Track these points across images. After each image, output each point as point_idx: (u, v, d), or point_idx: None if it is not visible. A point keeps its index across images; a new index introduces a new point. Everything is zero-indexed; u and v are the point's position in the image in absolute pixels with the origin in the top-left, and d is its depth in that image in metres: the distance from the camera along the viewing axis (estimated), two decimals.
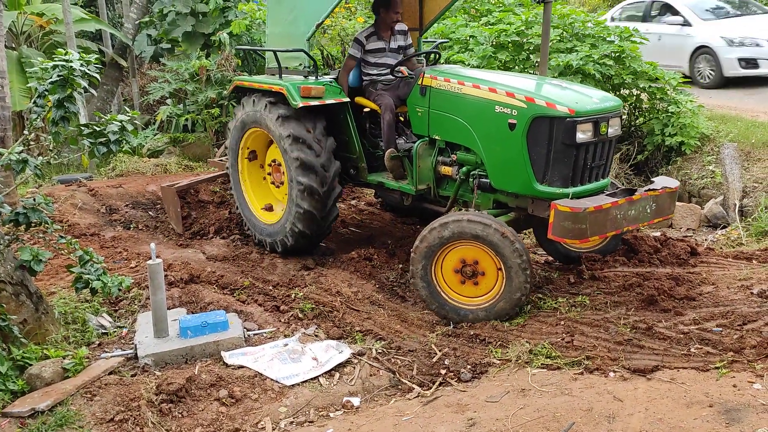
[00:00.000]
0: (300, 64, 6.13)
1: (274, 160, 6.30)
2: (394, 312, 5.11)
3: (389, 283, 5.72)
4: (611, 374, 3.82)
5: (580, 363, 3.98)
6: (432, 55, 6.15)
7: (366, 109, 6.23)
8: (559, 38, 8.39)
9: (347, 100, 5.90)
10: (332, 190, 5.84)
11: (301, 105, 5.60)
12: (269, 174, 6.43)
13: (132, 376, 4.05)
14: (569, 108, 4.64)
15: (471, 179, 5.28)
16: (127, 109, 5.37)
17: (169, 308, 4.66)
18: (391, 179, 5.87)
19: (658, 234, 6.37)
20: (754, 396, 3.39)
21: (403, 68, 5.95)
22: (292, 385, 3.99)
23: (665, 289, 4.82)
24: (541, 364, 4.04)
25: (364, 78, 6.19)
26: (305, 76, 5.97)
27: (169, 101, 11.20)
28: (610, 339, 4.21)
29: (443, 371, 4.13)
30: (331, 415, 3.81)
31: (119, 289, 4.19)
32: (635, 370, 3.80)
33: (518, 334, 4.44)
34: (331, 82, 5.93)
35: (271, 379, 4.04)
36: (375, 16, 6.18)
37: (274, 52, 5.92)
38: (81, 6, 14.59)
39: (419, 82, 5.51)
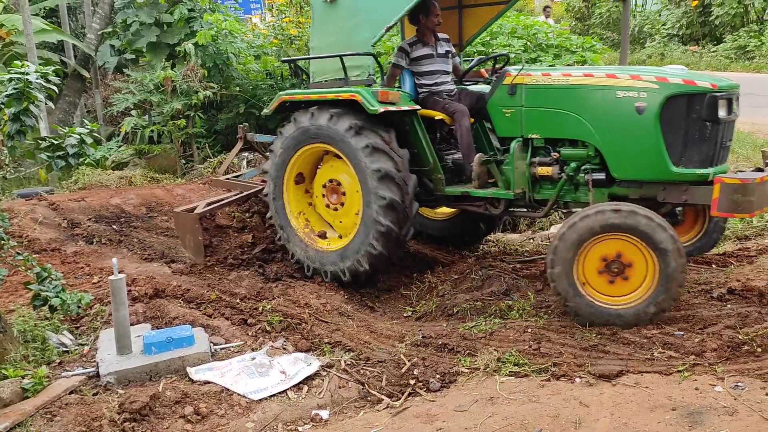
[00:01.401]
0: (363, 73, 5.63)
1: (330, 180, 5.85)
2: (363, 323, 5.10)
3: (358, 293, 5.70)
4: (577, 380, 3.86)
5: (547, 370, 4.01)
6: (501, 60, 5.99)
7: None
8: (523, 48, 8.51)
9: (418, 108, 5.64)
10: (411, 205, 5.46)
11: (381, 110, 5.25)
12: (322, 196, 5.94)
13: (94, 395, 3.95)
14: (711, 83, 4.51)
15: (580, 176, 5.07)
16: (87, 121, 5.27)
17: (132, 324, 4.57)
18: (474, 188, 5.49)
19: None
20: (716, 398, 3.46)
21: (482, 70, 5.81)
22: (260, 400, 3.94)
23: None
24: (509, 371, 4.06)
25: (421, 90, 5.98)
26: (368, 86, 5.55)
27: (133, 112, 11.06)
28: (576, 345, 4.26)
29: (412, 381, 4.13)
30: (300, 429, 3.77)
31: (79, 306, 4.11)
32: (600, 376, 3.85)
33: (486, 343, 4.46)
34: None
35: (238, 394, 3.98)
36: (416, 26, 6.01)
37: (341, 57, 5.51)
38: (42, 17, 14.35)
39: (505, 82, 5.31)
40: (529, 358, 4.16)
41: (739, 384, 3.58)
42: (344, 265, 5.61)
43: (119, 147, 11.22)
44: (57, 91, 4.20)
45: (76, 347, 4.61)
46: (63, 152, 3.99)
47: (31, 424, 3.60)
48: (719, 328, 4.24)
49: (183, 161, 10.76)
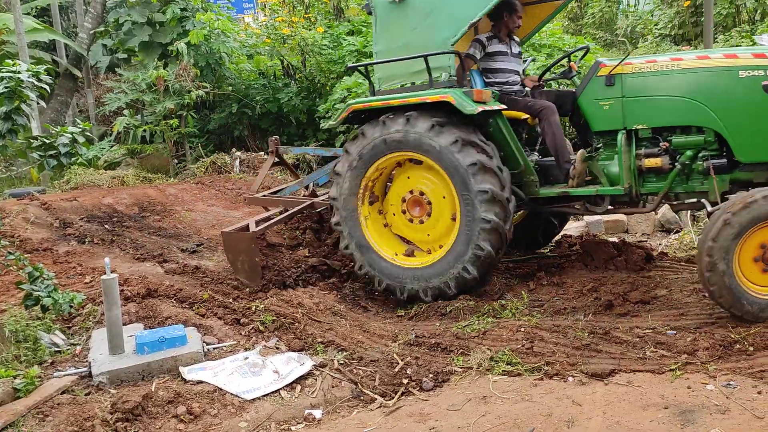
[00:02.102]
0: (441, 75, 5.34)
1: (411, 191, 5.46)
2: (356, 322, 5.09)
3: (351, 293, 5.70)
4: (570, 379, 3.87)
5: (540, 369, 4.02)
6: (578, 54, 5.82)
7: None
8: None
9: (505, 107, 5.35)
10: (510, 201, 5.14)
11: (480, 110, 4.97)
12: (402, 212, 5.52)
13: (86, 395, 3.94)
14: None
15: (697, 164, 4.91)
16: (79, 120, 5.25)
17: (125, 324, 4.56)
18: (573, 187, 5.25)
19: (616, 240, 6.49)
20: (708, 397, 3.47)
21: (572, 63, 5.69)
22: (253, 399, 3.93)
23: (621, 294, 4.92)
24: (502, 371, 4.06)
25: (491, 89, 5.62)
26: (449, 87, 5.26)
27: (126, 112, 11.03)
28: (569, 344, 4.27)
29: (405, 381, 4.12)
30: (293, 428, 3.76)
31: (71, 306, 4.09)
32: (593, 375, 3.85)
33: (479, 342, 4.47)
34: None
35: (231, 394, 3.97)
36: (494, 23, 5.80)
37: (425, 57, 5.17)
38: (34, 16, 14.29)
39: (599, 74, 5.17)
40: (522, 357, 4.17)
41: (731, 383, 3.60)
42: (447, 278, 5.17)
43: (111, 147, 11.19)
44: (49, 91, 4.18)
45: (68, 347, 4.59)
46: (55, 152, 3.97)
47: (22, 425, 3.58)
48: (711, 327, 4.26)
49: (175, 161, 10.75)
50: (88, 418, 3.63)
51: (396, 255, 5.49)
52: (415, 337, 4.69)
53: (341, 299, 5.50)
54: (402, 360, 4.33)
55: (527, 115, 5.58)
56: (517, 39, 6.00)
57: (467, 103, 4.98)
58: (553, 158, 5.53)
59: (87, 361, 4.27)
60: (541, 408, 3.54)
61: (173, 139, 10.52)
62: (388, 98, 5.38)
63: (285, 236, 6.49)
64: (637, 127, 5.10)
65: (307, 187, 6.99)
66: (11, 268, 4.40)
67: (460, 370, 4.16)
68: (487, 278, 5.34)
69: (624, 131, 5.10)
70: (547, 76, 6.12)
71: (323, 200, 6.36)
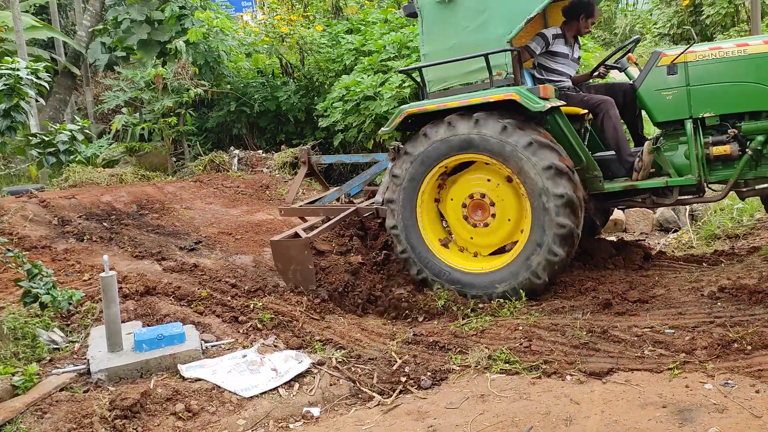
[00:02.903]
0: (499, 73, 5.22)
1: (471, 195, 5.35)
2: (354, 320, 5.10)
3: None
4: (568, 378, 3.87)
5: (538, 367, 4.02)
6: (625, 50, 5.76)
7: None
8: None
9: (564, 103, 5.28)
10: (582, 204, 5.07)
11: (548, 106, 4.96)
12: (464, 218, 5.41)
13: (84, 392, 3.93)
14: None
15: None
16: (77, 118, 5.24)
17: (123, 321, 4.55)
18: (639, 179, 5.18)
19: (614, 239, 6.50)
20: (706, 396, 3.48)
21: (630, 55, 5.62)
22: (251, 397, 3.94)
23: (619, 293, 4.92)
24: (500, 369, 4.07)
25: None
26: (507, 85, 5.21)
27: (124, 110, 11.03)
28: (567, 343, 4.27)
29: (403, 379, 4.13)
30: (291, 426, 3.76)
31: (70, 303, 4.08)
32: (591, 373, 3.86)
33: (477, 340, 4.47)
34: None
35: (230, 392, 3.97)
36: (566, 22, 5.70)
37: (486, 56, 5.07)
38: (32, 14, 14.27)
39: (660, 64, 5.13)
40: (520, 355, 4.18)
41: (729, 381, 3.60)
42: (515, 283, 5.08)
43: (110, 145, 11.18)
44: (47, 88, 4.17)
45: (67, 344, 4.59)
46: (54, 149, 3.97)
47: (21, 422, 3.58)
48: (710, 326, 4.27)
49: (174, 159, 10.74)
50: (87, 416, 3.63)
51: (458, 260, 5.40)
52: (413, 335, 4.70)
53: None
54: (400, 358, 4.34)
55: (583, 111, 5.53)
56: (579, 43, 5.91)
57: (534, 101, 4.91)
58: (607, 153, 5.46)
59: (85, 359, 4.26)
60: (539, 406, 3.55)
61: (172, 137, 10.51)
62: (445, 100, 5.28)
63: (333, 243, 6.38)
64: (704, 115, 5.07)
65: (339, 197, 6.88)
66: (10, 265, 4.39)
67: (458, 368, 4.17)
68: (554, 282, 5.22)
69: (691, 120, 5.07)
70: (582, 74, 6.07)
71: (367, 206, 6.27)
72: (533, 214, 5.00)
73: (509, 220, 5.25)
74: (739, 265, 5.52)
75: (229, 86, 11.24)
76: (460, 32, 5.33)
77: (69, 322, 4.93)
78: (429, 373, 4.15)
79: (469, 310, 5.08)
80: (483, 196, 5.31)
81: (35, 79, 3.92)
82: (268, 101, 11.12)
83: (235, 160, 10.50)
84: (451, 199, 5.46)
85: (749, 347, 3.95)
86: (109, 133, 11.66)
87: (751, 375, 3.65)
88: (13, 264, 4.12)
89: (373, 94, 8.96)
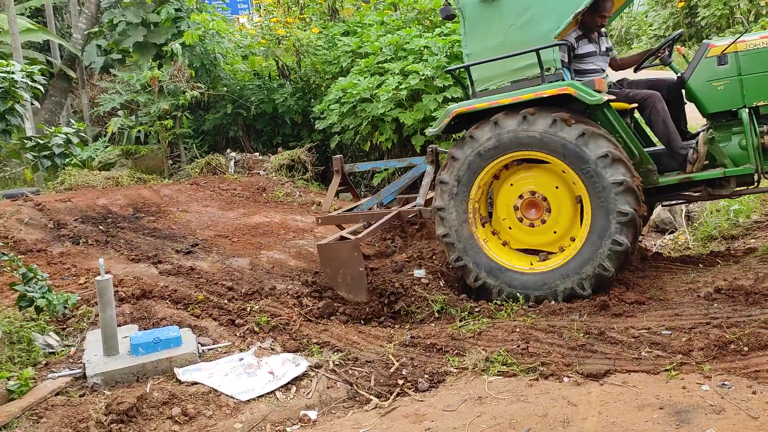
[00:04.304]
0: (548, 69, 5.18)
1: (521, 196, 5.29)
2: (351, 323, 5.09)
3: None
4: (565, 379, 3.87)
5: (535, 369, 4.02)
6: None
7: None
8: None
9: (614, 98, 5.25)
10: (641, 190, 5.01)
11: (606, 98, 4.96)
12: (518, 220, 5.35)
13: (80, 396, 3.92)
14: None
15: None
16: (73, 121, 5.22)
17: (119, 325, 4.54)
18: (694, 171, 5.12)
19: None
20: (703, 397, 3.48)
21: (679, 47, 5.53)
22: (248, 401, 3.93)
23: (616, 294, 4.93)
24: (498, 371, 4.07)
25: None
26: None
27: (120, 113, 11.00)
28: (564, 344, 4.27)
29: (401, 381, 4.12)
30: (288, 429, 3.75)
31: (65, 307, 4.07)
32: (588, 375, 3.86)
33: (474, 342, 4.47)
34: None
35: (226, 395, 3.96)
36: (577, 21, 5.62)
37: (537, 51, 5.04)
38: (28, 16, 14.25)
39: (709, 55, 5.11)
40: (518, 357, 4.17)
41: (726, 383, 3.60)
42: (580, 277, 5.01)
43: (106, 147, 11.15)
44: (43, 91, 4.16)
45: (63, 348, 4.57)
46: (49, 152, 3.96)
47: (17, 426, 3.56)
48: (706, 327, 4.27)
49: (170, 162, 10.73)
50: (83, 420, 3.62)
51: (516, 261, 5.32)
52: (411, 337, 4.69)
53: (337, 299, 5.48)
54: (397, 361, 4.33)
55: (628, 106, 5.49)
56: (604, 32, 5.85)
57: (590, 93, 4.88)
58: (656, 147, 5.41)
59: (81, 363, 4.25)
60: (537, 408, 3.55)
61: (168, 139, 10.49)
62: (496, 98, 5.22)
63: (376, 246, 6.40)
64: (758, 104, 5.05)
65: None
66: (5, 269, 4.38)
67: (455, 370, 4.16)
68: (620, 273, 5.16)
69: (746, 109, 5.04)
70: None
71: (409, 209, 6.20)
72: (592, 205, 4.95)
73: (566, 211, 5.20)
74: (735, 266, 5.53)
75: (225, 89, 11.23)
76: (505, 30, 5.29)
77: (65, 326, 4.91)
78: (426, 376, 4.14)
79: (466, 313, 5.07)
80: (533, 193, 5.26)
81: (30, 82, 3.92)
82: (264, 104, 11.12)
83: (232, 162, 10.48)
84: (501, 205, 5.41)
85: (746, 348, 3.95)
86: (104, 135, 11.63)
87: (747, 376, 3.65)
88: (9, 268, 4.10)
89: (370, 96, 8.96)
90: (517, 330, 4.55)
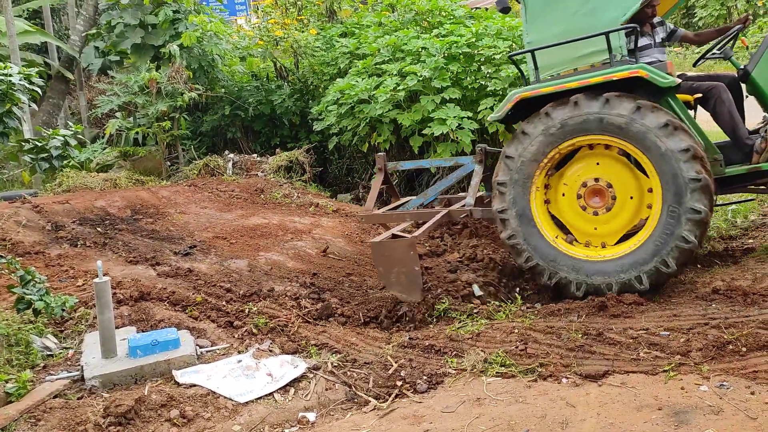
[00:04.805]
0: (609, 58, 5.13)
1: (584, 183, 5.23)
2: (349, 324, 5.08)
3: (347, 295, 5.68)
4: (564, 380, 3.87)
5: (533, 370, 4.02)
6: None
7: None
8: (508, 50, 8.54)
9: (680, 81, 5.16)
10: (713, 185, 4.94)
11: (679, 81, 4.89)
12: (579, 204, 5.27)
13: (78, 398, 3.92)
14: None
15: None
16: (71, 123, 5.22)
17: (117, 327, 4.53)
18: (760, 161, 5.05)
19: None
20: (702, 398, 3.48)
21: (743, 39, 5.51)
22: (246, 402, 3.92)
23: (614, 295, 4.93)
24: (496, 372, 4.07)
25: None
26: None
27: (118, 114, 11.00)
28: (563, 345, 4.27)
29: (399, 383, 4.12)
30: (286, 431, 3.75)
31: (63, 309, 4.06)
32: (587, 376, 3.86)
33: (473, 344, 4.47)
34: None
35: (225, 397, 3.96)
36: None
37: (607, 34, 4.98)
38: (25, 18, 14.23)
39: None
40: (516, 358, 4.17)
41: (725, 383, 3.61)
42: (640, 271, 4.95)
43: (104, 149, 11.15)
44: (40, 93, 4.16)
45: (61, 351, 4.57)
46: (47, 154, 3.95)
47: (15, 429, 3.55)
48: (704, 327, 4.27)
49: (168, 163, 10.71)
50: (81, 422, 3.61)
51: (574, 247, 5.25)
52: (409, 339, 4.69)
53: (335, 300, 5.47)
54: (396, 362, 4.33)
55: (690, 98, 5.43)
56: (660, 20, 5.78)
57: (663, 76, 4.80)
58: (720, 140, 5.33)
59: (79, 365, 4.24)
60: (535, 410, 3.55)
61: (166, 141, 10.48)
62: (564, 81, 5.17)
63: (426, 245, 6.33)
64: None
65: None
66: (3, 271, 4.37)
67: (454, 372, 4.16)
68: (681, 272, 5.08)
69: None
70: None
71: (460, 209, 6.11)
72: (663, 197, 4.87)
73: (631, 198, 5.12)
74: (733, 267, 5.54)
75: (223, 90, 11.23)
76: (569, 18, 5.26)
77: (63, 329, 4.91)
78: (425, 377, 4.14)
79: (465, 316, 5.07)
80: (597, 180, 5.19)
81: (28, 85, 3.91)
82: (262, 105, 11.11)
83: (230, 164, 10.47)
84: (563, 195, 5.33)
85: (744, 349, 3.95)
86: (103, 137, 11.62)
87: (746, 376, 3.65)
88: (6, 270, 4.09)
89: (368, 98, 8.96)
90: (516, 331, 4.55)
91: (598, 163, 5.23)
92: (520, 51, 5.62)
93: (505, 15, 7.93)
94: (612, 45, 5.04)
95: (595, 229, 5.25)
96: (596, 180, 5.20)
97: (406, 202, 6.72)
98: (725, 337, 4.10)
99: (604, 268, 5.06)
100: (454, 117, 8.12)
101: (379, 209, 6.62)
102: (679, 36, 5.92)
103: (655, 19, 5.72)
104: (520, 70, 5.73)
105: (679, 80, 4.92)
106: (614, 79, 4.95)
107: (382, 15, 11.30)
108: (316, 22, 12.57)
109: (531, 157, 5.23)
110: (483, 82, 8.55)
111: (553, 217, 5.43)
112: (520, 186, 5.27)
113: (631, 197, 5.13)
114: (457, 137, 8.14)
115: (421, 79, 8.47)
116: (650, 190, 5.04)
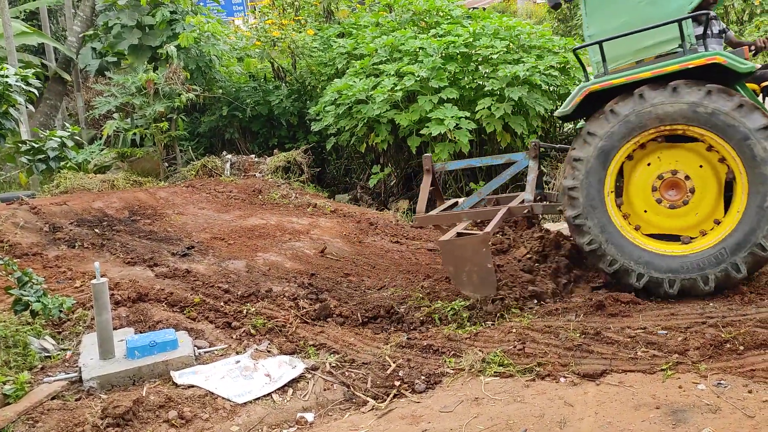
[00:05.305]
0: (678, 47, 5.00)
1: (660, 176, 5.08)
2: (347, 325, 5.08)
3: (345, 296, 5.68)
4: (562, 380, 3.88)
5: (531, 370, 4.03)
6: None
7: None
8: (505, 50, 8.54)
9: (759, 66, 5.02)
10: None
11: (759, 66, 4.76)
12: (656, 200, 5.13)
13: (76, 400, 3.91)
14: None
15: None
16: (68, 124, 5.20)
17: (115, 328, 4.53)
18: None
19: None
20: (699, 396, 3.49)
21: None
22: (245, 403, 3.92)
23: (612, 294, 4.93)
24: (494, 372, 4.07)
25: None
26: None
27: (115, 115, 10.99)
28: (561, 345, 4.28)
29: (397, 383, 4.12)
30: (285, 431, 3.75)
31: (60, 311, 4.06)
32: (585, 375, 3.87)
33: (471, 343, 4.47)
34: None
35: (223, 398, 3.95)
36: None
37: (679, 21, 4.86)
38: (22, 19, 14.21)
39: None
40: (514, 358, 4.18)
41: (722, 382, 3.62)
42: (726, 263, 4.78)
43: (101, 150, 11.14)
44: (37, 94, 4.16)
45: (59, 352, 4.56)
46: (44, 156, 3.95)
47: (12, 431, 3.55)
48: (702, 326, 4.28)
49: (166, 164, 10.71)
50: (79, 424, 3.61)
51: (656, 244, 5.07)
52: (407, 339, 4.69)
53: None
54: (394, 362, 4.33)
55: (756, 87, 5.33)
56: (714, 14, 5.65)
57: (741, 62, 4.69)
58: None
59: (77, 366, 4.24)
60: (534, 409, 3.55)
61: (163, 142, 10.47)
62: (635, 72, 5.03)
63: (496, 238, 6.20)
64: None
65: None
66: (0, 273, 4.36)
67: (452, 371, 4.16)
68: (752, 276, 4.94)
69: None
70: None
71: (519, 206, 5.98)
72: (749, 182, 4.74)
73: (710, 192, 5.02)
74: None
75: (221, 91, 11.22)
76: (631, 9, 5.15)
77: (60, 330, 4.90)
78: (423, 377, 4.14)
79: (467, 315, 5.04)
80: (675, 173, 5.07)
81: (25, 86, 3.91)
82: (260, 105, 11.11)
83: (228, 164, 10.47)
84: (634, 190, 5.21)
85: (741, 347, 3.96)
86: (100, 138, 11.61)
87: (743, 375, 3.66)
88: (4, 271, 4.09)
89: (365, 98, 8.96)
90: (514, 331, 4.56)
91: (676, 155, 5.06)
92: (585, 44, 5.44)
93: (502, 15, 7.90)
94: (679, 35, 4.92)
95: (673, 223, 5.11)
96: (673, 173, 5.07)
97: (454, 203, 6.56)
98: (723, 335, 4.11)
99: (681, 263, 4.88)
100: (452, 117, 8.12)
101: (428, 212, 6.31)
102: (729, 37, 5.82)
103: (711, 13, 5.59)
104: (581, 64, 5.57)
105: (758, 65, 4.80)
106: (690, 66, 4.81)
107: (379, 15, 11.31)
108: (314, 23, 12.57)
109: (605, 154, 5.05)
110: (480, 82, 8.56)
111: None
112: (593, 188, 5.09)
113: (709, 190, 5.00)
114: (454, 137, 8.15)
115: (418, 79, 8.47)
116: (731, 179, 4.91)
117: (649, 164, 5.16)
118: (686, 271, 4.87)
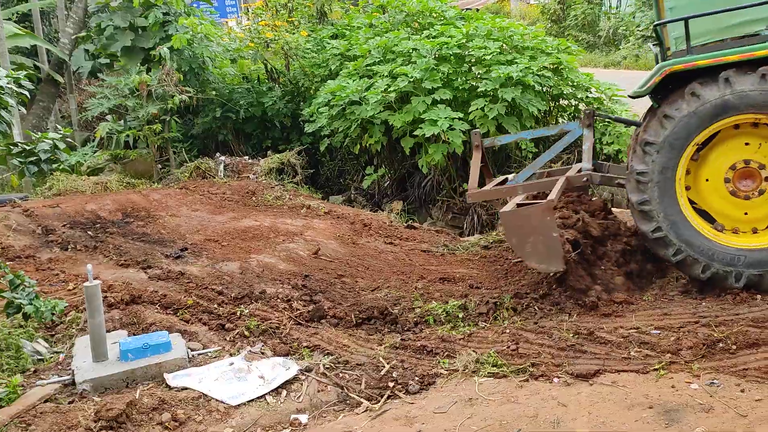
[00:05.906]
0: (759, 30, 4.78)
1: (732, 167, 4.90)
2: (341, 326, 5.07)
3: (339, 297, 5.68)
4: (555, 380, 3.89)
5: (525, 370, 4.04)
6: None
7: None
8: (499, 50, 8.56)
9: None
10: None
11: None
12: (727, 187, 4.97)
13: (69, 403, 3.90)
14: None
15: None
16: (60, 126, 5.19)
17: (109, 331, 4.52)
18: None
19: None
20: (692, 396, 3.50)
21: None
22: (238, 405, 3.92)
23: (606, 294, 4.94)
24: (488, 372, 4.08)
25: None
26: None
27: (108, 117, 10.95)
28: (554, 345, 4.29)
29: (391, 384, 4.12)
30: None
31: (53, 314, 4.05)
32: (578, 375, 3.88)
33: (465, 344, 4.48)
34: None
35: (216, 400, 3.95)
36: None
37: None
38: (15, 21, 14.15)
39: None
40: (508, 359, 4.18)
41: (715, 381, 3.63)
42: None
43: (94, 152, 11.10)
44: (29, 96, 4.14)
45: (51, 355, 4.54)
46: (35, 158, 3.94)
47: None
48: (695, 326, 4.30)
49: (159, 166, 10.67)
50: (72, 427, 3.60)
51: (726, 236, 4.95)
52: (401, 340, 4.69)
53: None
54: (388, 363, 4.33)
55: None
56: None
57: None
58: None
59: (70, 369, 4.22)
60: (527, 409, 3.56)
61: (157, 144, 10.44)
62: (720, 54, 4.75)
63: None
64: None
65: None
66: None
67: (445, 372, 4.17)
68: None
69: None
70: None
71: (578, 175, 5.82)
72: None
73: None
74: None
75: (214, 92, 11.20)
76: None
77: (53, 333, 4.88)
78: (417, 378, 4.14)
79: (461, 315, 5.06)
80: (747, 162, 4.87)
81: (16, 88, 3.90)
82: (253, 107, 11.10)
83: (221, 166, 10.45)
84: (707, 180, 5.02)
85: (734, 347, 3.98)
86: (93, 140, 11.57)
87: (736, 374, 3.68)
88: None
89: (359, 99, 8.96)
90: (507, 331, 4.57)
91: (747, 144, 4.90)
92: (669, 20, 5.10)
93: (496, 16, 7.78)
94: (765, 16, 4.69)
95: (746, 214, 4.97)
96: (747, 162, 4.89)
97: (504, 180, 6.41)
98: (715, 335, 4.13)
99: (756, 257, 4.77)
100: (445, 118, 8.12)
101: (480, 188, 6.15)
102: None
103: None
104: (660, 42, 5.33)
105: None
106: None
107: (372, 16, 11.31)
108: (307, 24, 12.57)
109: (681, 140, 4.83)
110: (474, 83, 8.57)
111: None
112: (665, 174, 4.90)
113: None
114: (448, 138, 8.15)
115: (412, 80, 8.48)
116: None
117: (713, 162, 4.97)
118: (756, 266, 4.74)
